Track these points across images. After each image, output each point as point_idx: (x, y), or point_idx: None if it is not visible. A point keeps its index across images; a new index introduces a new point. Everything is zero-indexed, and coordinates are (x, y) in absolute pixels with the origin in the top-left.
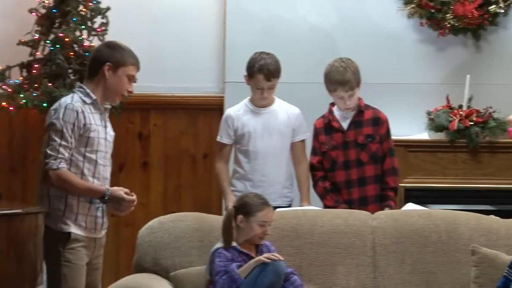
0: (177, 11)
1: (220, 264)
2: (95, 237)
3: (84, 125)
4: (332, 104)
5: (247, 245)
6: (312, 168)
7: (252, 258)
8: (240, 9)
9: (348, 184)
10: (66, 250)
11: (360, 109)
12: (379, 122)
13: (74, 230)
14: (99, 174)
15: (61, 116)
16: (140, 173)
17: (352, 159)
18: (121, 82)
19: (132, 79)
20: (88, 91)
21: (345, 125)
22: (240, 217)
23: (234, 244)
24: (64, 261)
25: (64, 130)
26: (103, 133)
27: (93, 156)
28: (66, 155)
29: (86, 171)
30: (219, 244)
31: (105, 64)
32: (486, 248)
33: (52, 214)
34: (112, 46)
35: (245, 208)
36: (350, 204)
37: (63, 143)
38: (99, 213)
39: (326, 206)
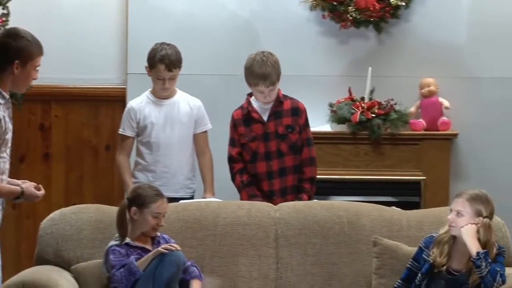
0: (79, 2)
1: (115, 260)
2: None
3: (4, 129)
4: (250, 95)
5: (142, 238)
6: (231, 160)
7: (148, 251)
8: (142, 5)
9: (269, 175)
10: None
11: (279, 100)
12: (298, 112)
13: None
14: (5, 171)
15: None
16: (41, 164)
17: (273, 150)
18: (30, 75)
19: (38, 67)
20: (0, 90)
21: (265, 116)
22: (133, 209)
23: (127, 240)
24: None
25: None
26: (12, 130)
27: (3, 155)
28: None
29: None
30: (113, 242)
31: (13, 63)
32: (387, 239)
33: None
34: (16, 38)
35: (138, 199)
36: (271, 195)
37: None
38: (1, 207)
39: (241, 199)
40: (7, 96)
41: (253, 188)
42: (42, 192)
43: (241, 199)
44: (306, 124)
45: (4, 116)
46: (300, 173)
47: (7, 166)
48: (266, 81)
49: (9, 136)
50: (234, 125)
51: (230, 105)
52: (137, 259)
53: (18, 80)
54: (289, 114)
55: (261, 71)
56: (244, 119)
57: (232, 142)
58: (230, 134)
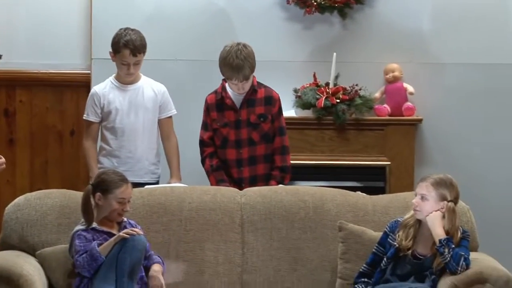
0: None
1: (80, 245)
2: None
3: None
4: (225, 80)
5: (108, 223)
6: (202, 143)
7: (114, 235)
8: None
9: (239, 162)
10: None
11: (254, 88)
12: (272, 101)
13: None
14: None
15: None
16: (6, 150)
17: (243, 138)
18: None
19: None
20: None
21: (238, 103)
22: (98, 194)
23: (94, 225)
24: None
25: None
26: None
27: None
28: None
29: None
30: (79, 226)
31: None
32: (352, 224)
33: None
34: None
35: (103, 185)
36: (240, 183)
37: None
38: None
39: (211, 184)
40: None
41: (221, 173)
42: (2, 160)
43: (210, 183)
44: (280, 113)
45: None
46: (272, 162)
47: None
48: (239, 75)
49: None
50: (207, 109)
51: (197, 90)
52: (99, 245)
53: None
54: (262, 103)
55: (235, 64)
56: (217, 104)
57: (205, 126)
58: (203, 118)
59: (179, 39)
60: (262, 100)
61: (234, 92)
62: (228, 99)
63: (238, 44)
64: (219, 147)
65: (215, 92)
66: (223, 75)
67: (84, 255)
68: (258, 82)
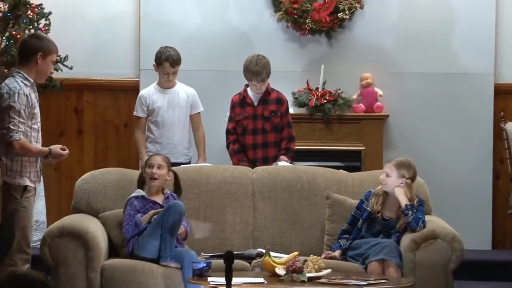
0: (104, 16)
1: (129, 213)
2: (36, 187)
3: (31, 104)
4: (247, 85)
5: (154, 193)
6: (228, 132)
7: (159, 204)
8: (150, 16)
9: (255, 146)
10: (23, 199)
11: (268, 91)
12: (281, 101)
13: (28, 183)
14: (38, 139)
15: (16, 99)
16: (76, 138)
17: (259, 127)
18: (49, 67)
19: (54, 63)
20: (26, 75)
21: (255, 101)
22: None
23: (144, 194)
24: (21, 208)
25: (21, 110)
26: (38, 107)
27: (35, 126)
28: (23, 128)
29: (32, 139)
30: (133, 194)
31: (37, 54)
32: (337, 194)
33: (11, 173)
34: (39, 37)
35: (147, 162)
36: (254, 162)
37: (21, 120)
38: (38, 168)
39: (233, 163)
40: (32, 81)
41: (241, 155)
42: (66, 151)
43: (232, 162)
44: (287, 112)
45: (30, 94)
46: (280, 147)
47: (40, 136)
48: (258, 77)
49: (36, 111)
50: (233, 106)
51: (219, 94)
52: (144, 213)
53: (40, 70)
54: (274, 103)
55: (255, 70)
56: (240, 102)
57: (230, 119)
58: (229, 113)
59: (207, 54)
60: (274, 100)
61: (254, 92)
62: (249, 98)
63: (258, 55)
64: (240, 134)
65: (239, 93)
66: (245, 77)
67: (130, 223)
68: (272, 88)
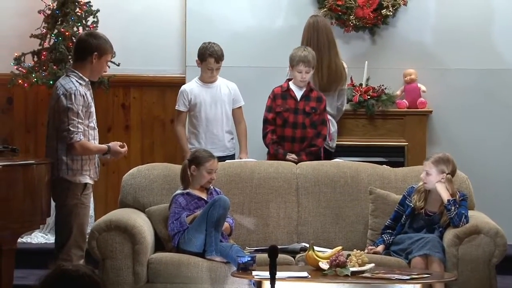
0: (152, 15)
1: (175, 211)
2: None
3: (88, 104)
4: (289, 79)
5: (199, 189)
6: (266, 121)
7: (203, 199)
8: (196, 12)
9: (293, 139)
10: (82, 196)
11: (311, 88)
12: (321, 100)
13: (88, 180)
14: (96, 136)
15: (74, 100)
16: (123, 133)
17: (299, 122)
18: (103, 66)
19: (108, 62)
20: (81, 74)
21: (298, 96)
22: (192, 167)
23: (189, 190)
24: (80, 204)
25: (79, 111)
26: (94, 105)
27: (92, 124)
28: (82, 129)
29: (90, 137)
30: (178, 191)
31: (93, 54)
32: (380, 189)
33: (72, 172)
34: (96, 37)
35: (196, 160)
36: (291, 153)
37: (80, 120)
38: (97, 165)
39: (269, 152)
40: (87, 79)
41: (278, 145)
42: (125, 149)
43: (269, 151)
44: (324, 110)
45: (86, 93)
46: (312, 141)
47: (96, 133)
48: (305, 62)
49: (92, 109)
50: (274, 97)
51: (260, 88)
52: (187, 215)
53: (94, 69)
54: (315, 100)
55: (303, 54)
56: (282, 94)
57: (269, 109)
58: (268, 103)
59: (251, 50)
60: (315, 98)
61: (297, 81)
62: (292, 91)
63: (305, 46)
64: (280, 125)
65: (281, 86)
66: (291, 65)
67: (175, 221)
68: (313, 87)
